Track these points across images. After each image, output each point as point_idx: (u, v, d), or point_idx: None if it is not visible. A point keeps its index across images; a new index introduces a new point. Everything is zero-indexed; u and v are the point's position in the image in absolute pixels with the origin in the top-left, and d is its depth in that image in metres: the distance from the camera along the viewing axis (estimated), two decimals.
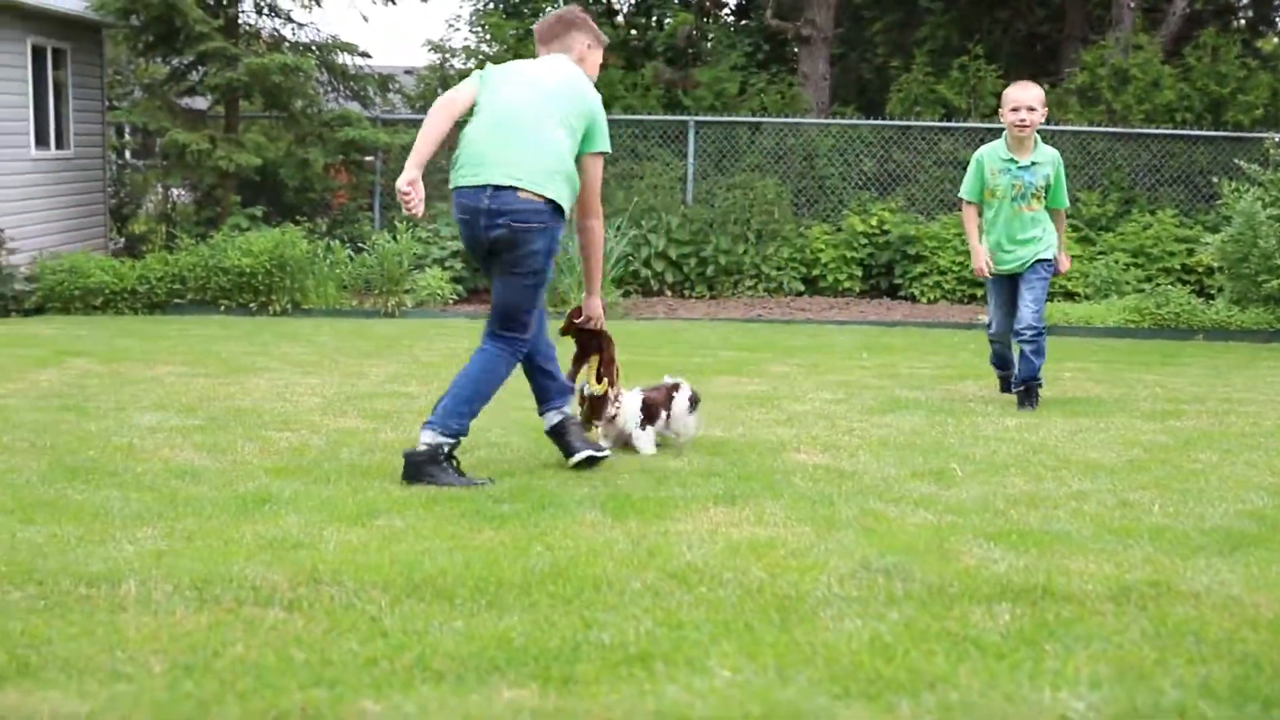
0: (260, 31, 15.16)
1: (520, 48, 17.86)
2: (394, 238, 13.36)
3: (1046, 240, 7.07)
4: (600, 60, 5.41)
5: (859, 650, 3.07)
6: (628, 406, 5.59)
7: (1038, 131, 7.08)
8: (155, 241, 15.08)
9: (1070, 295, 13.65)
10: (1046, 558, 3.97)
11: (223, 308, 12.52)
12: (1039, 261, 7.04)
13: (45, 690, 2.72)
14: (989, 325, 7.40)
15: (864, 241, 14.63)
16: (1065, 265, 7.25)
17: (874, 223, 14.66)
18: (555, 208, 4.97)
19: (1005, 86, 7.41)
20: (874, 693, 2.82)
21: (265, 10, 15.13)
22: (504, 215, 4.90)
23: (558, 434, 5.30)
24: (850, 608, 3.42)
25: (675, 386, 5.74)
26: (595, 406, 5.57)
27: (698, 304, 14.02)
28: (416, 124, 15.65)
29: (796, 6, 18.14)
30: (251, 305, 12.56)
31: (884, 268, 14.74)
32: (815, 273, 14.63)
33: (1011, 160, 7.00)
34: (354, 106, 15.26)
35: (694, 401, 5.76)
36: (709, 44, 18.54)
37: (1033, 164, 6.99)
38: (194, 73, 14.95)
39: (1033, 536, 4.23)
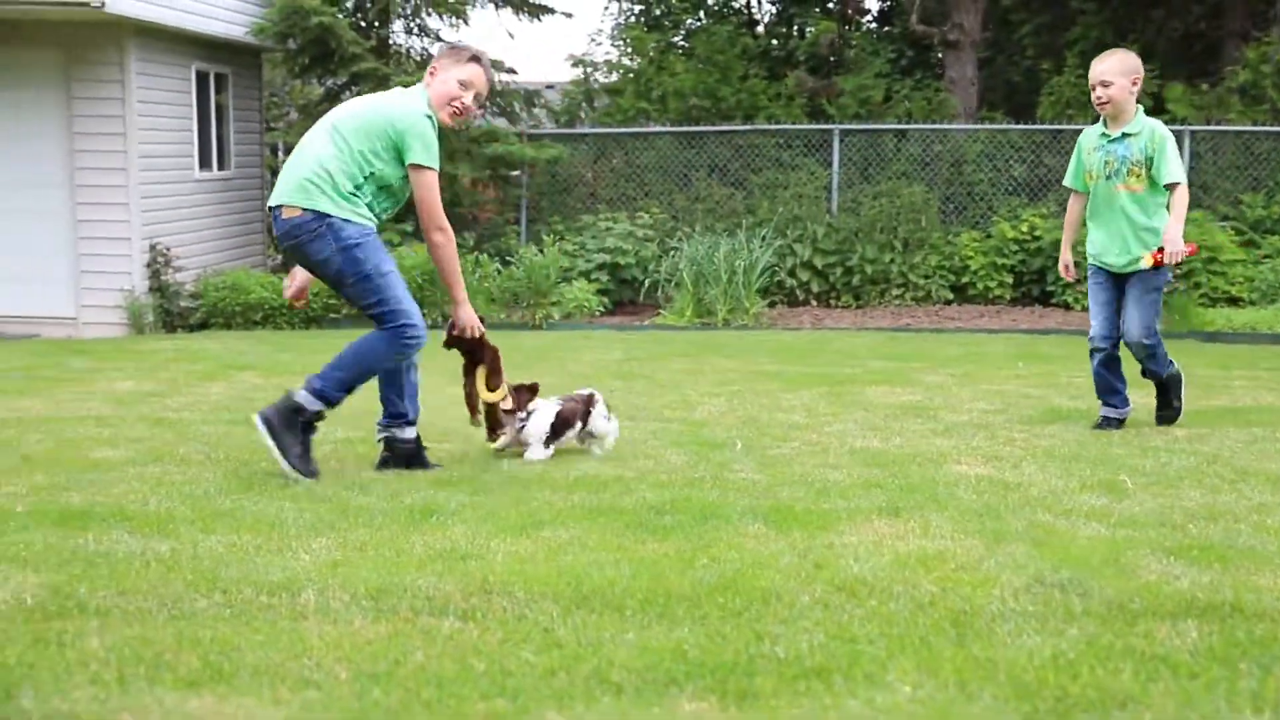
0: (410, 51, 15.52)
1: (662, 60, 17.96)
2: (541, 251, 13.51)
3: (1159, 244, 6.22)
4: (462, 74, 5.25)
5: (1042, 667, 2.99)
6: (538, 421, 5.66)
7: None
8: None
9: (1234, 300, 13.16)
10: (1231, 574, 3.82)
11: None
12: (1144, 273, 6.30)
13: (240, 696, 2.80)
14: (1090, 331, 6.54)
15: (1015, 248, 14.32)
16: (1178, 249, 6.07)
17: (1025, 229, 14.33)
18: (319, 215, 5.03)
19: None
20: (1063, 710, 2.74)
21: (415, 31, 15.49)
22: (283, 238, 5.19)
23: (396, 445, 5.45)
24: (1028, 623, 3.33)
25: (591, 399, 5.85)
26: (493, 416, 5.64)
27: (844, 313, 13.89)
28: (561, 139, 16.06)
29: (941, 11, 17.89)
30: None
31: (1036, 274, 14.40)
32: (964, 280, 14.37)
33: (1104, 135, 6.33)
34: (501, 122, 15.50)
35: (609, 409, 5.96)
36: (852, 51, 18.38)
37: (1124, 136, 6.25)
38: (347, 93, 15.35)
39: (1215, 551, 4.07)
